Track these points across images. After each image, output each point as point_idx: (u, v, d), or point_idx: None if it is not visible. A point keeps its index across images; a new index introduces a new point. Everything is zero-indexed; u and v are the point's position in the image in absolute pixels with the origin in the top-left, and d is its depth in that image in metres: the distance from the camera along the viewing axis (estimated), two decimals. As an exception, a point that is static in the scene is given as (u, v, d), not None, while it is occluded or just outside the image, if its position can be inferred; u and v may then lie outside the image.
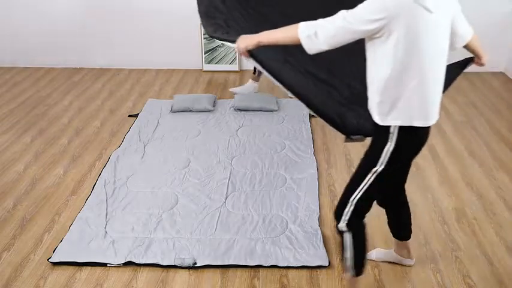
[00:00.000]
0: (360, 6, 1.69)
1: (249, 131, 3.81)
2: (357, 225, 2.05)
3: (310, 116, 4.02)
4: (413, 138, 1.90)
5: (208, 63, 5.11)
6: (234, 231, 2.68)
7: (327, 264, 2.45)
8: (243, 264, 2.46)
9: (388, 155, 1.88)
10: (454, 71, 2.35)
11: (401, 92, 1.77)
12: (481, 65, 2.22)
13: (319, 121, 4.00)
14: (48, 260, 2.50)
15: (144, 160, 3.40)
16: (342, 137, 3.95)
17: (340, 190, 3.09)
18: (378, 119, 1.86)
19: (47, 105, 4.41)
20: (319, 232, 2.66)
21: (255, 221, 2.76)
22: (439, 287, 2.34)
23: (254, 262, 2.46)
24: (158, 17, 5.12)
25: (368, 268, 2.45)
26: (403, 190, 2.29)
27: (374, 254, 2.49)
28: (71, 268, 2.46)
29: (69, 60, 5.37)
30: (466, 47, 2.08)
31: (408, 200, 2.98)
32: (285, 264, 2.45)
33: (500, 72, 5.19)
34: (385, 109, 1.82)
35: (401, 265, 2.47)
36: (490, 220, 2.81)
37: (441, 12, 1.72)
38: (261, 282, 2.37)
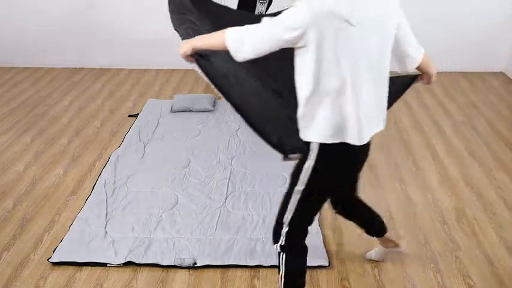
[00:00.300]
0: (283, 13, 1.62)
1: (249, 131, 3.80)
2: (294, 248, 1.94)
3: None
4: (337, 158, 1.76)
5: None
6: (234, 231, 2.68)
7: (327, 264, 2.45)
8: (243, 264, 2.46)
9: (308, 174, 1.76)
10: (397, 87, 2.30)
11: (321, 106, 1.66)
12: (429, 83, 2.15)
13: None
14: (48, 260, 2.50)
15: (144, 160, 3.40)
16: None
17: (340, 190, 3.10)
18: (301, 133, 1.77)
19: (47, 105, 4.41)
20: (319, 232, 2.66)
21: (255, 221, 2.76)
22: (439, 287, 2.35)
23: (254, 262, 2.47)
24: (158, 17, 5.12)
25: (368, 268, 2.45)
26: (353, 198, 2.23)
27: (373, 254, 2.49)
28: (71, 268, 2.46)
29: (69, 60, 5.37)
30: (418, 68, 1.97)
31: (408, 199, 2.99)
32: (285, 264, 2.45)
33: (500, 72, 5.19)
34: (306, 123, 1.72)
35: (402, 265, 2.47)
36: (490, 220, 2.81)
37: (371, 27, 1.60)
38: (261, 282, 2.37)
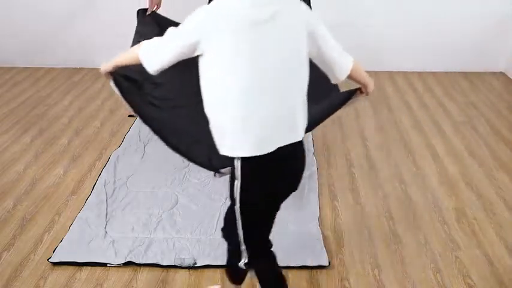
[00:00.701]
0: (184, 21, 1.61)
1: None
2: (260, 263, 1.89)
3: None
4: (261, 170, 1.65)
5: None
6: (234, 231, 2.68)
7: (327, 264, 2.45)
8: (243, 264, 2.46)
9: (238, 192, 1.68)
10: (334, 102, 2.33)
11: (225, 117, 1.60)
12: (367, 94, 2.09)
13: (319, 121, 4.00)
14: (48, 260, 2.50)
15: (144, 160, 3.40)
16: (342, 137, 3.98)
17: (340, 190, 3.10)
18: (218, 148, 1.67)
19: (47, 105, 4.41)
20: (319, 232, 2.66)
21: (255, 221, 2.76)
22: (439, 287, 2.35)
23: (254, 262, 2.46)
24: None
25: (368, 268, 2.45)
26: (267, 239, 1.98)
27: None
28: (71, 268, 2.46)
29: (69, 60, 5.37)
30: (350, 77, 1.89)
31: (408, 199, 2.99)
32: (285, 264, 2.45)
33: (500, 72, 5.19)
34: (218, 136, 1.66)
35: (402, 265, 2.47)
36: (490, 220, 2.81)
37: (274, 33, 1.54)
38: (261, 282, 2.37)
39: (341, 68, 1.80)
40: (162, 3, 3.46)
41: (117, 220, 2.78)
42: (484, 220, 2.82)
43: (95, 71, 5.25)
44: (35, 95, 4.63)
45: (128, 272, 2.44)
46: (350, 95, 2.24)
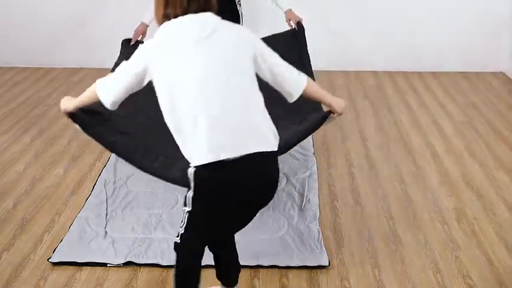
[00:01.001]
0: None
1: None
2: (186, 256, 1.87)
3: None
4: (211, 181, 1.67)
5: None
6: (234, 231, 2.68)
7: (327, 264, 2.45)
8: (243, 264, 2.45)
9: (190, 202, 1.71)
10: (308, 126, 2.36)
11: (178, 127, 1.69)
12: (338, 114, 2.13)
13: (319, 121, 4.00)
14: (48, 260, 2.50)
15: (144, 160, 3.40)
16: (342, 137, 3.97)
17: (340, 190, 3.10)
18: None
19: (47, 105, 4.41)
20: (319, 232, 2.66)
21: (255, 221, 2.75)
22: (439, 287, 2.34)
23: (254, 262, 2.46)
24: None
25: (368, 268, 2.45)
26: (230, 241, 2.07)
27: None
28: (71, 268, 2.46)
29: (69, 60, 5.37)
30: (308, 97, 1.94)
31: (408, 199, 2.99)
32: (285, 264, 2.45)
33: (500, 72, 5.19)
34: (180, 147, 1.73)
35: (402, 265, 2.47)
36: (490, 220, 2.81)
37: (211, 48, 1.66)
38: (261, 282, 2.37)
39: (293, 87, 1.88)
40: (147, 33, 3.50)
41: (117, 220, 2.78)
42: (484, 220, 2.81)
43: (95, 71, 5.25)
44: (35, 95, 4.63)
45: (127, 272, 2.44)
46: (323, 118, 2.29)
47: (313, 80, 2.79)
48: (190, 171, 1.68)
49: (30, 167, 3.38)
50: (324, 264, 2.45)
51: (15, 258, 2.54)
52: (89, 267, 2.46)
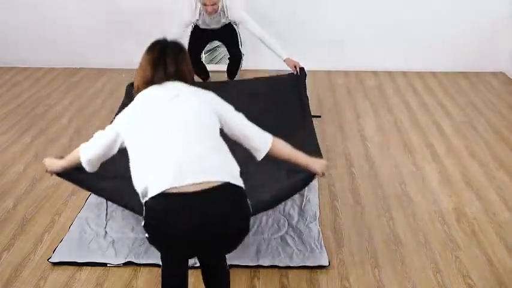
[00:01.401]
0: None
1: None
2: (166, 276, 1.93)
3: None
4: (162, 212, 1.69)
5: (208, 63, 5.11)
6: (234, 231, 2.67)
7: (327, 264, 2.45)
8: (243, 264, 2.46)
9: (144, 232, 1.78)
10: (290, 189, 2.39)
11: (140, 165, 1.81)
12: (321, 174, 2.18)
13: (319, 121, 4.00)
14: (48, 260, 2.50)
15: (144, 160, 3.39)
16: (342, 137, 3.97)
17: (340, 190, 3.10)
18: None
19: (47, 105, 4.41)
20: (319, 232, 2.66)
21: (255, 221, 2.76)
22: (439, 287, 2.34)
23: (254, 262, 2.46)
24: (158, 17, 5.12)
25: (368, 268, 2.45)
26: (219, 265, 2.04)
27: None
28: (71, 268, 2.46)
29: (69, 60, 5.37)
30: (279, 156, 2.03)
31: (408, 199, 2.99)
32: (285, 264, 2.45)
33: (500, 72, 5.19)
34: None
35: (402, 265, 2.47)
36: (490, 220, 2.81)
37: (176, 105, 1.85)
38: (261, 282, 2.37)
39: (260, 143, 1.98)
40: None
41: (117, 220, 2.78)
42: (484, 220, 2.81)
43: (95, 71, 5.26)
44: (35, 95, 4.63)
45: (127, 272, 2.44)
46: (307, 181, 2.33)
47: (311, 119, 3.16)
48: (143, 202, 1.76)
49: (30, 167, 3.38)
50: (324, 264, 2.45)
51: (15, 258, 2.54)
52: (89, 267, 2.46)
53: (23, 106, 4.38)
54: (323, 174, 2.20)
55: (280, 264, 2.46)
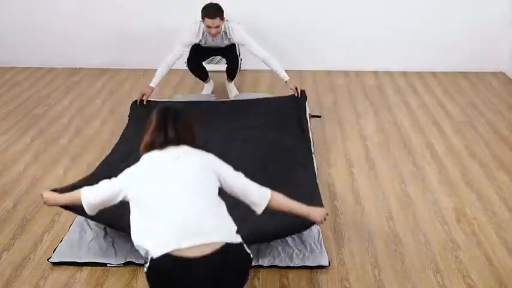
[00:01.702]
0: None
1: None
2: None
3: (310, 116, 4.01)
4: (161, 275, 1.78)
5: (208, 63, 5.11)
6: (234, 231, 2.67)
7: (327, 264, 2.45)
8: (243, 264, 2.46)
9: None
10: (289, 229, 2.42)
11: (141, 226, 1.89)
12: (319, 222, 2.21)
13: (319, 121, 4.00)
14: (48, 260, 2.50)
15: (144, 160, 3.39)
16: (342, 137, 3.97)
17: (340, 190, 3.10)
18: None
19: (47, 105, 4.41)
20: (319, 232, 2.66)
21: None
22: (439, 287, 2.34)
23: (254, 262, 2.46)
24: (158, 17, 5.12)
25: (368, 268, 2.45)
26: None
27: None
28: (71, 268, 2.46)
29: (69, 60, 5.37)
30: (278, 208, 2.08)
31: (408, 199, 2.99)
32: (285, 264, 2.45)
33: (500, 72, 5.19)
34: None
35: (402, 265, 2.47)
36: (490, 220, 2.81)
37: (176, 166, 1.93)
38: (261, 282, 2.37)
39: (258, 197, 2.04)
40: (154, 91, 3.87)
41: (117, 220, 2.78)
42: (484, 220, 2.81)
43: (95, 71, 5.26)
44: (35, 95, 4.63)
45: (128, 272, 2.44)
46: (308, 225, 2.36)
47: (310, 144, 3.31)
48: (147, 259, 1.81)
49: (30, 167, 3.38)
50: (324, 264, 2.45)
51: (15, 258, 2.54)
52: (89, 267, 2.46)
53: (23, 106, 4.38)
54: (323, 222, 2.23)
55: (280, 264, 2.46)
